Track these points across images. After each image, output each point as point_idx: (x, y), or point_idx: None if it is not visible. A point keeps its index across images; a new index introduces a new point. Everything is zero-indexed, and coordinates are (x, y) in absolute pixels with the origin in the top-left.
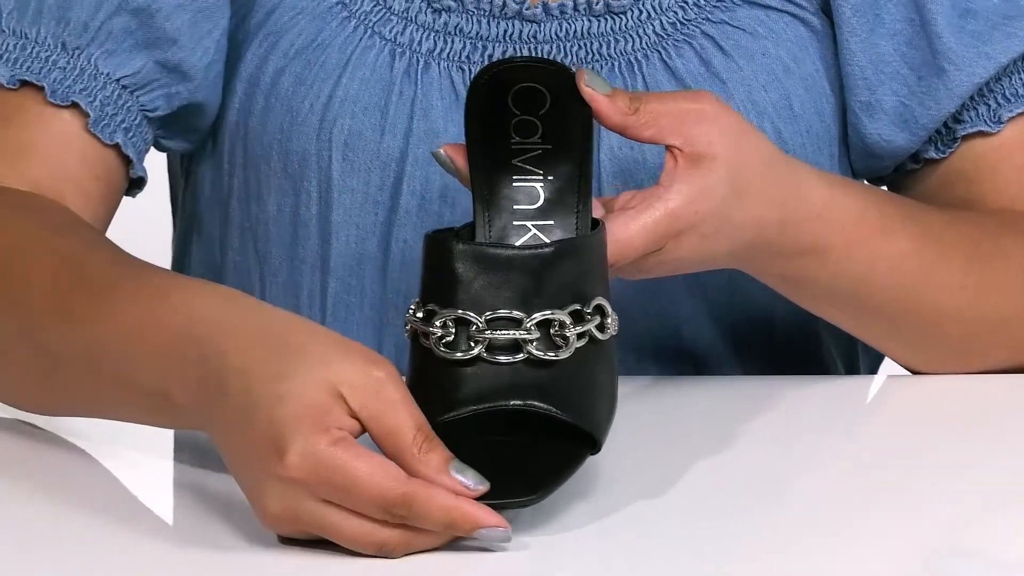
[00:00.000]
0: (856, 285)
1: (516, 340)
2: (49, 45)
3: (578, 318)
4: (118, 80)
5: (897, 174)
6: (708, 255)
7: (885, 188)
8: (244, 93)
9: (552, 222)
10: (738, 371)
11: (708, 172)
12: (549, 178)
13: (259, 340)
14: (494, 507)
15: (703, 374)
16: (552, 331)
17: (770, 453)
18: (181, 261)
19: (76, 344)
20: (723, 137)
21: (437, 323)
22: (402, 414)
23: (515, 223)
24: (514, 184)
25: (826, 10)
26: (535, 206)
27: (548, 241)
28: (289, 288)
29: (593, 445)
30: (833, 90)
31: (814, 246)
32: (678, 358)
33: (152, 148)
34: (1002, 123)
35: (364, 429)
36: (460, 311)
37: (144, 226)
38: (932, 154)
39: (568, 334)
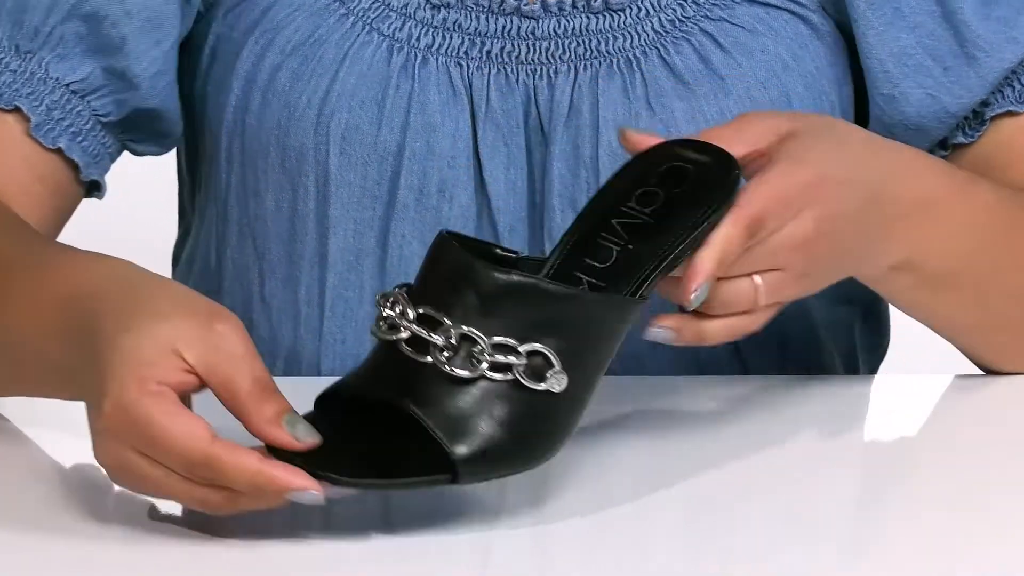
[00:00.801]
0: (968, 249)
1: (428, 342)
2: (4, 47)
3: (503, 351)
4: (67, 85)
5: None
6: (849, 173)
7: None
8: (241, 90)
9: (605, 285)
10: (738, 371)
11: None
12: (629, 247)
13: (118, 301)
14: (328, 480)
15: (703, 374)
16: (473, 350)
17: (770, 453)
18: (189, 261)
19: None
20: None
21: (381, 300)
22: (239, 366)
23: (574, 273)
24: (598, 240)
25: (828, 9)
26: (601, 266)
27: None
28: (288, 283)
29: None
30: (833, 87)
31: (925, 196)
32: (678, 358)
33: (128, 152)
34: None
35: (204, 384)
36: (403, 295)
37: (146, 229)
38: (960, 139)
39: (480, 359)
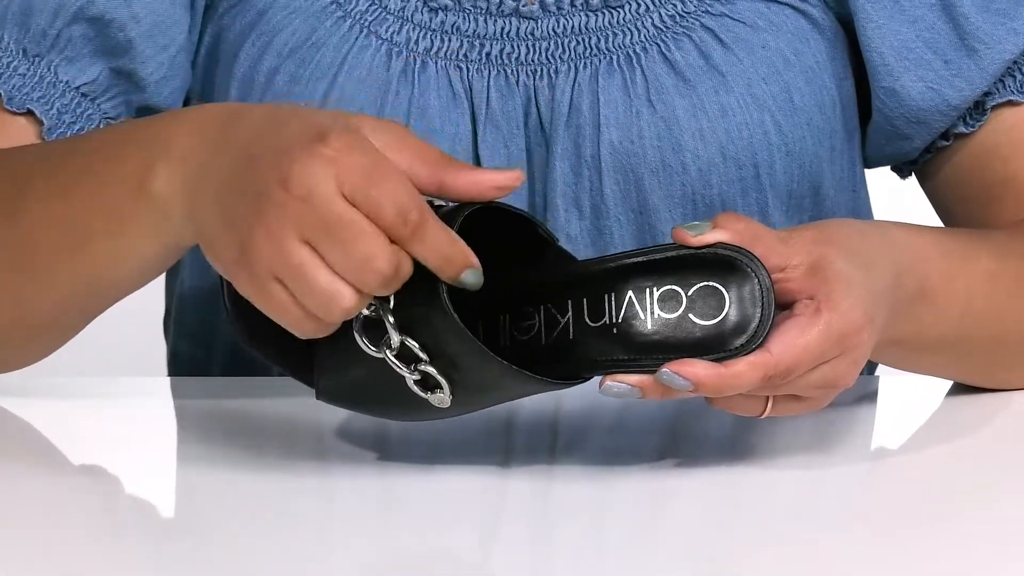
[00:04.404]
0: (961, 317)
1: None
2: (12, 51)
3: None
4: (77, 88)
5: (928, 155)
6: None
7: (914, 177)
8: (238, 93)
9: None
10: None
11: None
12: (614, 331)
13: (279, 109)
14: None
15: None
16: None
17: (769, 453)
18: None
19: (47, 167)
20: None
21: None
22: (415, 139)
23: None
24: (609, 293)
25: (829, 3)
26: (593, 323)
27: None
28: None
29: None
30: (833, 82)
31: (921, 288)
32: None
33: None
34: None
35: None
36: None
37: None
38: (961, 128)
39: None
